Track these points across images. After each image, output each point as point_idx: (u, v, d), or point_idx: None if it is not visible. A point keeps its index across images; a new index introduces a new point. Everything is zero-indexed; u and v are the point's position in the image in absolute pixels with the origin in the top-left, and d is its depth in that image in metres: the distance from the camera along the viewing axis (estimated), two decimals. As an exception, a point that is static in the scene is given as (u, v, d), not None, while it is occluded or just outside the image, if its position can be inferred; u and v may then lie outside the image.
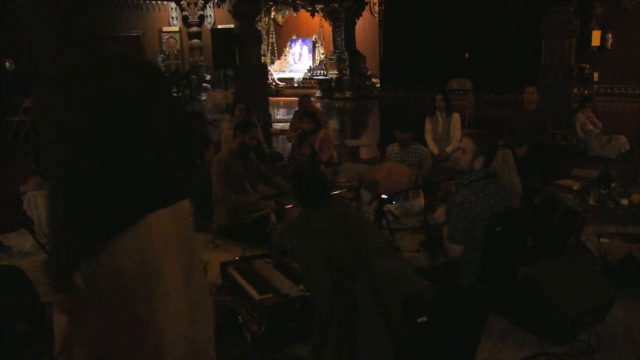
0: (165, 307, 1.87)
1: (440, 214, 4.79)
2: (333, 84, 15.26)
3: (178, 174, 1.98)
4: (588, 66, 11.55)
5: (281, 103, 14.75)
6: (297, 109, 8.06)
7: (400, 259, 2.78)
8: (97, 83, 1.75)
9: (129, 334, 1.85)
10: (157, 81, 1.98)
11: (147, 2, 16.09)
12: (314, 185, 2.64)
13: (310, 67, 16.86)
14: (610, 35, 12.27)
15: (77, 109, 1.71)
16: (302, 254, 2.60)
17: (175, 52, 16.83)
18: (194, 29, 15.13)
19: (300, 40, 17.39)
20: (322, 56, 16.60)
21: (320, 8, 15.01)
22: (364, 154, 8.75)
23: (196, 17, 14.90)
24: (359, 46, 15.46)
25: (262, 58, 13.23)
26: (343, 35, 15.08)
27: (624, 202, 3.73)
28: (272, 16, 17.42)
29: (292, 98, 14.81)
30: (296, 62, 17.40)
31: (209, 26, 16.27)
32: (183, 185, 2.01)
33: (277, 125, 10.75)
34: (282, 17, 17.68)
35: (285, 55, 17.66)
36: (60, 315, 1.84)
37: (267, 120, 9.90)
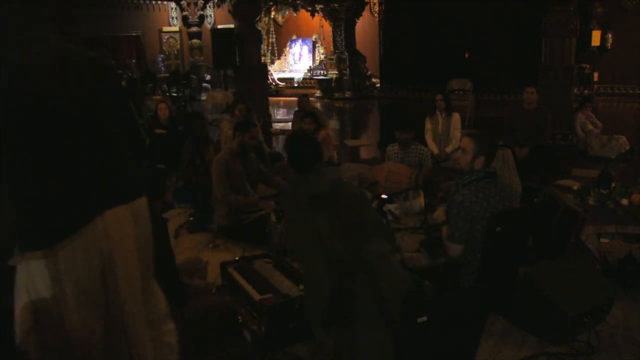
0: (121, 303, 1.91)
1: (439, 213, 4.79)
2: (333, 84, 15.26)
3: (134, 172, 1.99)
4: (588, 66, 11.54)
5: (281, 103, 14.74)
6: (297, 109, 8.07)
7: (389, 244, 2.77)
8: (46, 83, 1.75)
9: (87, 331, 1.87)
10: (108, 80, 1.98)
11: (147, 2, 16.09)
12: (305, 150, 2.64)
13: (310, 67, 16.86)
14: (610, 35, 12.26)
15: (22, 111, 1.71)
16: (292, 224, 2.60)
17: (175, 52, 16.83)
18: (194, 29, 15.13)
19: (300, 40, 17.39)
20: (322, 56, 16.60)
21: (320, 8, 15.01)
22: (364, 154, 8.75)
23: (196, 17, 14.90)
24: (359, 46, 15.46)
25: (262, 58, 13.22)
26: (343, 35, 15.08)
27: (624, 202, 3.73)
28: (272, 16, 17.42)
29: (292, 98, 14.80)
30: (296, 62, 17.40)
31: (209, 26, 16.27)
32: (140, 182, 2.02)
33: (277, 125, 10.74)
34: (282, 17, 17.68)
35: (285, 55, 17.66)
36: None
37: (267, 120, 9.90)
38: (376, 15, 15.56)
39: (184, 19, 15.06)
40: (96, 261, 1.83)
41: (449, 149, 6.50)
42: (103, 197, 1.84)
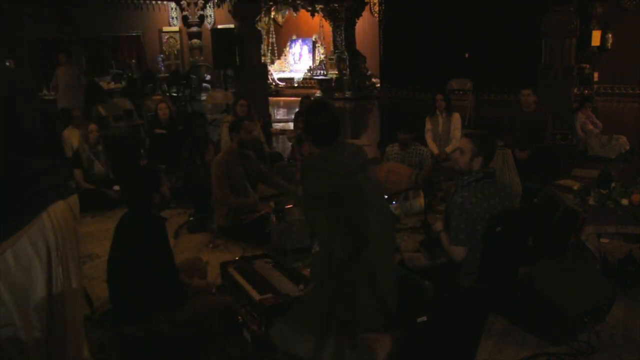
0: (65, 290, 2.05)
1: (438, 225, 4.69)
2: (333, 84, 15.25)
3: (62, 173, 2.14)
4: (588, 66, 11.53)
5: (281, 103, 14.74)
6: (297, 109, 8.07)
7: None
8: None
9: (35, 318, 1.98)
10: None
11: (147, 2, 16.08)
12: (328, 121, 2.40)
13: (310, 67, 16.85)
14: (610, 35, 12.25)
15: None
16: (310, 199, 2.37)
17: (175, 52, 16.82)
18: (194, 29, 15.13)
19: (300, 40, 17.38)
20: (322, 56, 16.59)
21: (320, 8, 15.00)
22: (364, 154, 8.74)
23: (196, 17, 14.90)
24: (359, 46, 15.45)
25: (262, 58, 13.21)
26: (343, 35, 15.07)
27: (624, 202, 3.73)
28: (272, 16, 17.40)
29: (292, 98, 14.80)
30: (296, 62, 17.39)
31: (209, 26, 16.26)
32: (66, 184, 2.17)
33: (277, 125, 10.74)
34: (282, 17, 17.67)
35: (285, 55, 17.66)
36: None
37: (267, 120, 9.90)
38: (376, 15, 15.55)
39: (184, 19, 15.06)
40: (43, 252, 1.95)
41: (449, 149, 6.49)
42: (45, 193, 1.98)
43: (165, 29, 16.70)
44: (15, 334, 1.96)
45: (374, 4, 15.83)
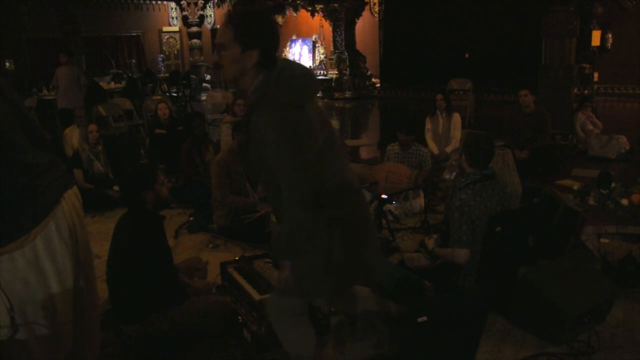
0: (87, 273, 2.05)
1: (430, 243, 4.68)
2: (333, 84, 15.26)
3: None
4: (588, 66, 11.54)
5: (281, 103, 14.71)
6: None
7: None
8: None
9: (62, 302, 1.96)
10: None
11: (147, 2, 16.09)
12: (276, 30, 2.01)
13: (310, 67, 16.86)
14: (610, 35, 12.27)
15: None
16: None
17: (175, 52, 16.84)
18: (194, 29, 15.15)
19: (300, 40, 17.39)
20: (322, 56, 16.60)
21: (320, 8, 15.00)
22: (364, 154, 8.75)
23: (196, 17, 14.92)
24: (359, 46, 15.46)
25: (262, 58, 13.18)
26: (343, 35, 15.08)
27: (624, 202, 3.73)
28: (272, 16, 17.41)
29: (292, 98, 14.77)
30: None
31: (209, 26, 16.28)
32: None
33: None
34: (282, 17, 17.68)
35: (285, 55, 17.67)
36: None
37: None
38: (376, 15, 15.56)
39: (184, 19, 15.08)
40: (67, 237, 1.94)
41: (449, 149, 6.50)
42: (57, 181, 1.98)
43: (165, 29, 16.71)
44: (43, 324, 1.93)
45: (374, 4, 15.84)
